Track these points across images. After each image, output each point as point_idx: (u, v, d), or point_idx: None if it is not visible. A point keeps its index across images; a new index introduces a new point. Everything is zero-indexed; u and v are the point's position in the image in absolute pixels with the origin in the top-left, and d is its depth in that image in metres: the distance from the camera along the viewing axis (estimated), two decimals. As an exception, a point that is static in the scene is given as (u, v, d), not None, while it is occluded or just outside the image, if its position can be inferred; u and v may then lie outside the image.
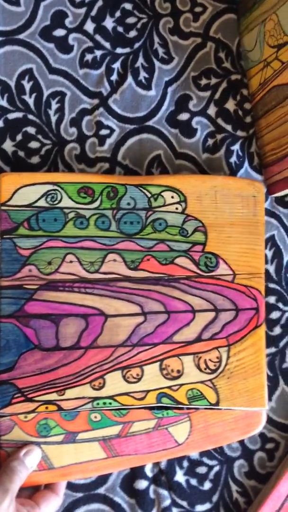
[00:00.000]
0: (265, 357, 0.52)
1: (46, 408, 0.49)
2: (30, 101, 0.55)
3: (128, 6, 0.57)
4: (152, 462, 0.52)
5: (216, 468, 0.55)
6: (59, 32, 0.56)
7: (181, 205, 0.52)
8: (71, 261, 0.50)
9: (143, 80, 0.57)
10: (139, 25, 0.57)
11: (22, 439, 0.48)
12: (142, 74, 0.57)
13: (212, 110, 0.58)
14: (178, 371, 0.51)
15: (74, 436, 0.49)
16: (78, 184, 0.51)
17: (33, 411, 0.49)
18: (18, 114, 0.55)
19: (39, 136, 0.55)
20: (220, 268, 0.52)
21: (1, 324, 0.49)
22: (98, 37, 0.56)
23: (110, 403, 0.50)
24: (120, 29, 0.57)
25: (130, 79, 0.56)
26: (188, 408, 0.51)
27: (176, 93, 0.57)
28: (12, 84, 0.55)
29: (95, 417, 0.50)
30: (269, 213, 0.58)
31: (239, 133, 0.58)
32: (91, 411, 0.49)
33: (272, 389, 0.57)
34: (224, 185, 0.53)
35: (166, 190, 0.52)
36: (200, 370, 0.51)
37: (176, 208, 0.52)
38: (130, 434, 0.50)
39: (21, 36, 0.55)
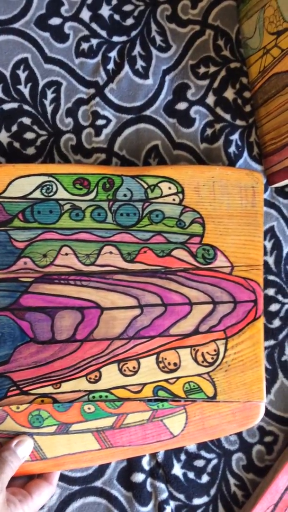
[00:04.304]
0: (263, 350, 0.51)
1: (42, 401, 0.49)
2: (26, 91, 0.54)
3: (125, -7, 0.56)
4: (147, 453, 0.52)
5: (214, 461, 0.55)
6: (55, 21, 0.55)
7: (178, 196, 0.51)
8: (66, 254, 0.50)
9: (140, 69, 0.56)
10: (136, 13, 0.56)
11: (14, 430, 0.48)
12: (139, 63, 0.56)
13: (210, 99, 0.57)
14: (175, 364, 0.50)
15: (67, 427, 0.49)
16: (73, 175, 0.50)
17: (28, 404, 0.49)
18: (13, 105, 0.54)
19: (35, 127, 0.54)
20: (218, 260, 0.51)
21: (-4, 317, 0.49)
22: (94, 26, 0.55)
23: (106, 396, 0.49)
24: (116, 17, 0.56)
25: (127, 68, 0.56)
26: (185, 401, 0.50)
27: (174, 82, 0.56)
28: (7, 74, 0.54)
29: (89, 408, 0.49)
30: (269, 203, 0.57)
31: (239, 122, 0.57)
32: (85, 403, 0.49)
33: (271, 382, 0.56)
34: (222, 176, 0.52)
35: (163, 181, 0.51)
36: (197, 363, 0.51)
37: (173, 199, 0.51)
38: (124, 425, 0.49)
39: (16, 25, 0.54)
